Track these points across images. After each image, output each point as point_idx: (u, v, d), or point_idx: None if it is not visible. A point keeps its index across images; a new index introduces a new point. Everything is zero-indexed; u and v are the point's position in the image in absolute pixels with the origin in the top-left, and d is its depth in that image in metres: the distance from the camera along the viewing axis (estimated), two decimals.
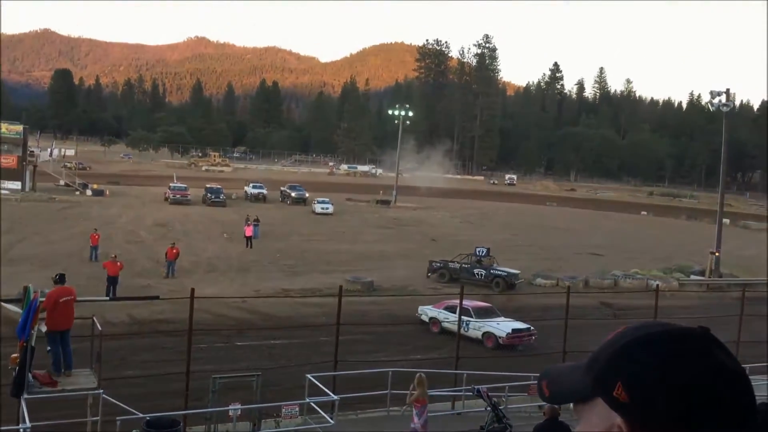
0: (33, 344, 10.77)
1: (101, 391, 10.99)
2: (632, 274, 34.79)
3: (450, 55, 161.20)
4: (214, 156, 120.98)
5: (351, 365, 15.53)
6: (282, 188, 66.40)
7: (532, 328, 21.48)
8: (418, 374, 13.20)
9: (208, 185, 61.33)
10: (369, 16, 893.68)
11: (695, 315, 23.98)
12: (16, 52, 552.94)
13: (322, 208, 55.73)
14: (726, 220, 46.44)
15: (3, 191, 53.15)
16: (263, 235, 40.41)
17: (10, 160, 54.72)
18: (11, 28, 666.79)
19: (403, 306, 24.78)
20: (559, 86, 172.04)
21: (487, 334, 21.10)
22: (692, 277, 36.24)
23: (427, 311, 22.87)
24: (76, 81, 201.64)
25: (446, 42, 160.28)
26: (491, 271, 30.27)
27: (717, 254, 36.61)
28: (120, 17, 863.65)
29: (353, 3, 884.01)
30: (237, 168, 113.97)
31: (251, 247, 36.49)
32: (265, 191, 64.17)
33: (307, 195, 63.36)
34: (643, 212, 79.75)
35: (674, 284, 33.43)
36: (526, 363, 18.65)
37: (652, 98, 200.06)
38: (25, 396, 10.44)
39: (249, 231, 37.28)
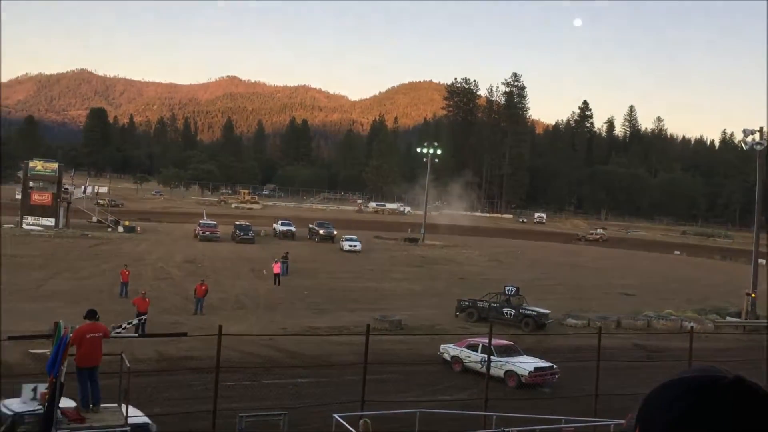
0: (62, 380, 10.80)
1: (128, 428, 10.95)
2: (666, 315, 34.08)
3: (478, 93, 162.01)
4: (244, 193, 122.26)
5: (378, 405, 15.32)
6: (310, 225, 66.68)
7: (554, 366, 21.09)
8: (362, 420, 12.89)
9: (237, 222, 61.84)
10: (398, 56, 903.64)
11: (732, 358, 23.33)
12: (53, 91, 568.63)
13: (350, 246, 55.77)
14: (762, 261, 45.43)
15: (37, 228, 54.16)
16: (291, 272, 40.49)
17: (44, 197, 55.81)
18: (49, 68, 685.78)
19: (431, 345, 24.48)
20: (588, 124, 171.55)
21: (509, 373, 20.74)
22: (728, 318, 35.39)
23: (449, 349, 22.59)
24: (110, 120, 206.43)
25: (475, 80, 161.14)
26: (521, 311, 29.88)
27: (753, 295, 35.74)
28: (154, 58, 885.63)
29: (382, 43, 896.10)
30: (266, 205, 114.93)
31: (279, 284, 36.53)
32: (293, 228, 64.47)
33: (335, 232, 63.51)
34: (676, 252, 78.51)
35: (709, 326, 32.68)
36: (554, 404, 18.27)
37: (683, 137, 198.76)
38: None
39: (277, 268, 37.36)
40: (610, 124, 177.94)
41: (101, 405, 11.62)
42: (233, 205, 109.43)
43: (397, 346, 24.05)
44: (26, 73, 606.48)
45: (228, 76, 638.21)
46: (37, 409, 11.12)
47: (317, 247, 57.48)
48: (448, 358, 22.38)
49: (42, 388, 11.36)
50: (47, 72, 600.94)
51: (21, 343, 18.78)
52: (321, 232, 63.59)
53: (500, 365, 20.78)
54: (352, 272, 44.55)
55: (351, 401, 15.28)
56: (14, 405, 11.65)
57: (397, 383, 19.68)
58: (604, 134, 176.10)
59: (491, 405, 15.97)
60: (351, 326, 26.85)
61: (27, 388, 11.71)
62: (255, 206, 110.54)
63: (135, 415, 11.95)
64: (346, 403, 15.50)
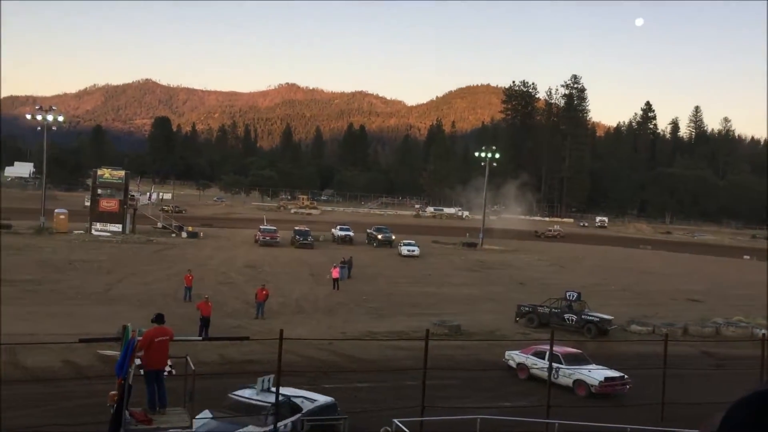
0: (130, 382, 11.11)
1: (193, 429, 11.17)
2: (735, 322, 32.88)
3: (537, 96, 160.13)
4: (303, 199, 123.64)
5: (438, 411, 15.25)
6: (368, 230, 66.93)
7: (626, 376, 20.55)
8: (383, 428, 12.76)
9: (296, 228, 62.54)
10: (455, 60, 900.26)
11: None
12: (119, 101, 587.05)
13: (409, 251, 55.76)
14: None
15: (105, 233, 55.94)
16: (350, 276, 40.80)
17: (112, 204, 57.63)
18: (116, 79, 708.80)
19: (490, 351, 24.27)
20: (651, 126, 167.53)
21: (579, 382, 20.32)
22: None
23: (514, 356, 22.27)
24: (174, 128, 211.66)
25: (533, 83, 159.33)
26: (583, 317, 29.30)
27: None
28: (215, 67, 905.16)
29: (439, 47, 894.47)
30: (324, 210, 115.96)
31: (338, 289, 36.78)
32: (351, 233, 64.86)
33: (393, 237, 63.58)
34: (745, 256, 75.74)
35: None
36: (620, 413, 17.84)
37: (752, 137, 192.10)
38: None
39: (336, 273, 37.64)
40: (675, 125, 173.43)
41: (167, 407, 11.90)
42: (292, 211, 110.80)
43: (457, 352, 23.93)
44: (94, 84, 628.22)
45: (287, 84, 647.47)
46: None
47: (375, 252, 57.67)
48: (514, 365, 22.09)
49: (267, 379, 14.15)
50: (114, 83, 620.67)
51: (91, 345, 19.41)
52: (379, 236, 63.75)
53: (569, 374, 20.40)
54: (410, 277, 44.54)
55: (410, 406, 15.25)
56: (247, 393, 14.32)
57: (457, 389, 19.55)
58: (668, 136, 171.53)
59: (554, 413, 15.70)
60: (410, 331, 26.84)
61: (261, 381, 14.15)
62: (314, 211, 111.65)
63: (322, 397, 15.13)
64: (405, 408, 15.48)
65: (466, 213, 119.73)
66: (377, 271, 45.47)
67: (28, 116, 63.67)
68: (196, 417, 12.91)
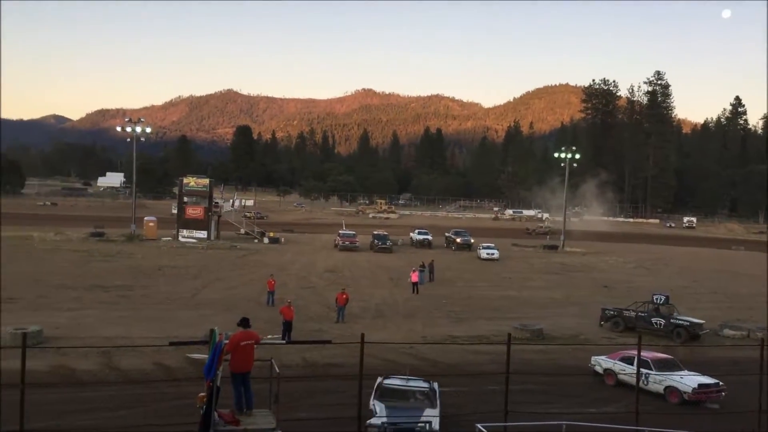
0: (218, 384, 11.42)
1: (279, 431, 11.38)
2: None
3: (618, 94, 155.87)
4: (381, 203, 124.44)
5: (522, 416, 15.00)
6: (447, 234, 66.73)
7: (721, 383, 19.67)
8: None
9: (375, 232, 62.98)
10: (532, 60, 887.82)
11: None
12: (203, 111, 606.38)
13: (488, 254, 55.26)
14: None
15: (191, 240, 57.83)
16: (426, 280, 40.75)
17: (197, 211, 59.54)
18: (199, 91, 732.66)
19: (573, 355, 23.73)
20: (741, 121, 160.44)
21: (670, 389, 19.58)
22: None
23: (601, 362, 21.68)
24: (255, 136, 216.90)
25: (614, 81, 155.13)
26: (671, 321, 28.25)
27: None
28: (294, 75, 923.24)
29: (516, 48, 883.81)
30: (402, 215, 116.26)
31: (417, 293, 36.77)
32: (430, 237, 64.80)
33: (472, 240, 63.16)
34: None
35: None
36: (715, 421, 17.12)
37: None
38: None
39: (415, 277, 37.64)
40: (767, 120, 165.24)
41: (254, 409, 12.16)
42: (371, 215, 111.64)
43: (539, 356, 23.49)
44: (179, 96, 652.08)
45: (363, 89, 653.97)
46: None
47: (454, 256, 57.39)
48: (600, 371, 21.51)
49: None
50: (197, 94, 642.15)
51: (180, 347, 20.08)
52: (458, 240, 63.43)
53: (659, 380, 19.72)
54: (490, 280, 44.10)
55: (493, 411, 15.07)
56: (396, 381, 16.40)
57: (541, 394, 19.19)
58: (759, 131, 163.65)
59: (644, 420, 15.20)
60: (490, 335, 26.55)
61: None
62: (392, 216, 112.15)
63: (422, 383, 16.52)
64: (487, 413, 15.30)
65: (546, 215, 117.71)
66: (456, 275, 45.23)
67: (119, 128, 66.57)
68: (372, 406, 15.37)
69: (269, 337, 23.54)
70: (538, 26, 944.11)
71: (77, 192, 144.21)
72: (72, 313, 27.16)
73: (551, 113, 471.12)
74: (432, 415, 14.91)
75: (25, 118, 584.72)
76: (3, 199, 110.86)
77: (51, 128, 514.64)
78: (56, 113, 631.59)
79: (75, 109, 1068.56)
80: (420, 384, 16.52)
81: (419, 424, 14.51)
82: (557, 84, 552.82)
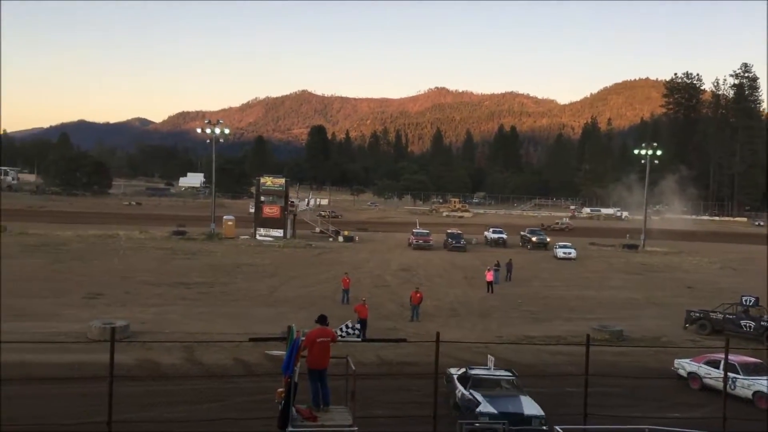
0: (296, 380, 11.59)
1: (356, 428, 11.46)
2: None
3: (702, 88, 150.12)
4: (454, 202, 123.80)
5: (601, 419, 14.63)
6: (522, 233, 65.85)
7: None
8: None
9: (449, 231, 62.73)
10: (610, 54, 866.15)
11: None
12: (278, 112, 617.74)
13: (565, 253, 54.22)
14: None
15: (268, 238, 58.99)
16: (503, 280, 40.33)
17: (274, 210, 60.68)
18: (274, 92, 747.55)
19: (655, 358, 23.02)
20: None
21: (759, 394, 18.71)
22: None
23: (684, 365, 20.92)
24: (329, 136, 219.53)
25: (697, 74, 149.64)
26: (762, 323, 27.01)
27: None
28: (367, 75, 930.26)
29: (593, 43, 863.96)
30: (476, 213, 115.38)
31: (492, 292, 36.41)
32: (505, 236, 64.08)
33: (548, 239, 62.11)
34: None
35: None
36: None
37: None
38: (290, 429, 11.23)
39: (490, 276, 37.27)
40: None
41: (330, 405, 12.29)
42: (444, 214, 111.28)
43: (619, 358, 22.88)
44: (255, 98, 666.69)
45: (436, 88, 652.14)
46: None
47: (530, 255, 56.55)
48: (684, 374, 20.77)
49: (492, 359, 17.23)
50: (273, 95, 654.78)
51: (258, 344, 20.50)
52: (533, 239, 62.49)
53: (747, 385, 18.89)
54: (567, 280, 43.25)
55: (572, 414, 14.77)
56: (483, 371, 17.11)
57: (621, 397, 18.67)
58: None
59: (731, 426, 14.57)
60: (567, 336, 26.05)
61: (490, 359, 17.42)
62: (466, 214, 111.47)
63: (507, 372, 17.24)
64: (565, 415, 15.01)
65: (625, 213, 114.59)
66: (532, 274, 44.57)
67: (198, 130, 68.52)
68: (460, 395, 16.27)
69: (348, 323, 23.89)
70: (617, 20, 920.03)
71: (160, 192, 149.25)
72: (156, 309, 28.15)
73: (630, 109, 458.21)
74: (534, 406, 15.63)
75: (112, 121, 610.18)
76: (92, 199, 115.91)
77: (135, 131, 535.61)
78: (140, 116, 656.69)
79: (157, 112, 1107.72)
80: (505, 373, 17.14)
81: (535, 417, 15.16)
82: (637, 78, 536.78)
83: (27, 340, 19.27)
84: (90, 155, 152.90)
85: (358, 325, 24.44)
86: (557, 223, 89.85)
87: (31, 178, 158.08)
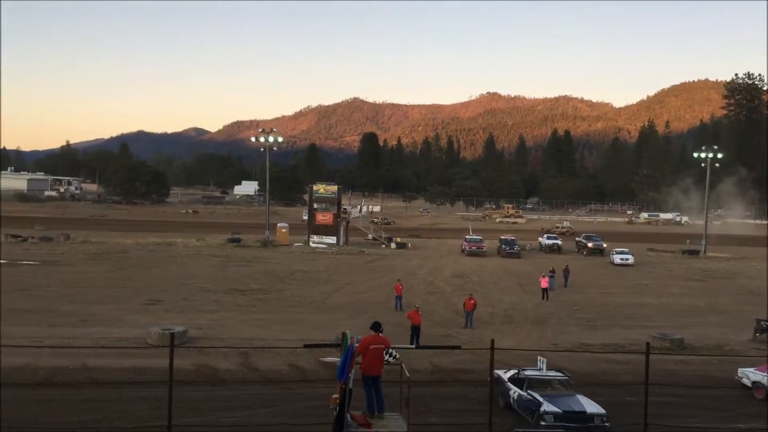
0: (350, 386, 11.62)
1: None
2: None
3: (764, 88, 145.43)
4: (508, 207, 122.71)
5: (662, 430, 14.27)
6: (578, 238, 64.82)
7: None
8: None
9: (502, 237, 62.17)
10: (667, 56, 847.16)
11: None
12: (330, 120, 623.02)
13: (622, 259, 53.13)
14: None
15: (321, 245, 59.44)
16: (559, 286, 39.74)
17: (327, 218, 61.14)
18: (326, 100, 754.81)
19: (718, 367, 22.29)
20: None
21: None
22: None
23: (749, 374, 20.21)
24: (380, 143, 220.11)
25: (759, 75, 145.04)
26: None
27: None
28: (418, 82, 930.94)
29: (649, 45, 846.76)
30: (530, 219, 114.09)
31: (547, 299, 35.90)
32: (559, 242, 63.19)
33: (604, 245, 60.98)
34: None
35: None
36: None
37: None
38: None
39: (545, 282, 36.77)
40: None
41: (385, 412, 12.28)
42: (497, 220, 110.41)
43: (680, 367, 22.26)
44: (308, 106, 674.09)
45: (488, 93, 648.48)
46: None
47: (586, 261, 55.60)
48: (748, 384, 20.09)
49: (542, 360, 17.35)
50: (325, 103, 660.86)
51: (313, 350, 20.64)
52: (589, 245, 61.44)
53: None
54: (624, 287, 42.35)
55: (632, 423, 14.46)
56: (534, 372, 17.18)
57: (683, 407, 18.14)
58: None
59: None
60: (626, 344, 25.45)
61: (540, 361, 17.50)
62: (519, 220, 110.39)
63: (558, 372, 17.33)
64: (625, 425, 14.72)
65: (684, 218, 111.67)
66: (588, 281, 43.79)
67: (253, 139, 69.62)
68: (514, 395, 16.55)
69: (392, 351, 23.80)
70: (674, 20, 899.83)
71: (215, 200, 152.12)
72: (213, 315, 28.63)
73: (689, 111, 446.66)
74: (594, 404, 15.74)
75: (169, 131, 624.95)
76: (151, 207, 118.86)
77: (192, 140, 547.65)
78: (196, 126, 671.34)
79: (213, 122, 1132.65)
80: (556, 373, 17.28)
81: (597, 415, 15.24)
82: (695, 80, 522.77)
83: (90, 345, 19.85)
84: (148, 165, 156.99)
85: (397, 354, 24.29)
86: (557, 228, 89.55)
87: (93, 187, 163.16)
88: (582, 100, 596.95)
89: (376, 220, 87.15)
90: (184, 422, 13.66)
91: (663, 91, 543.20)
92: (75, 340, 21.41)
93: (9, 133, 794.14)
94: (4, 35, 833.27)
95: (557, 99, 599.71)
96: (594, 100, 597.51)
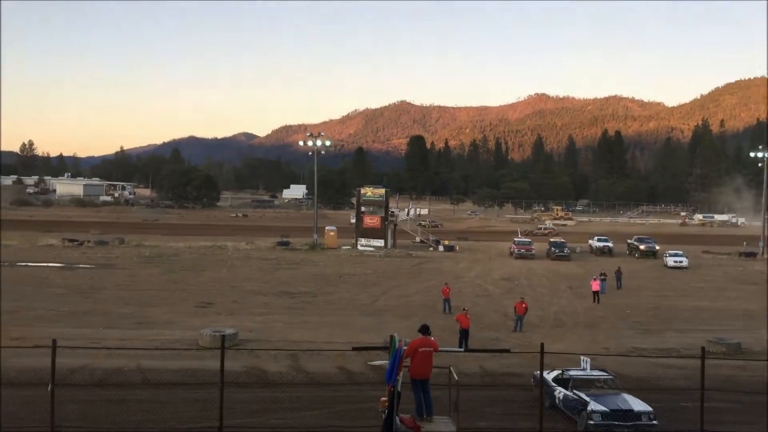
0: (399, 389, 11.62)
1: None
2: None
3: None
4: (557, 210, 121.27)
5: None
6: (629, 241, 63.61)
7: None
8: None
9: (551, 239, 61.44)
10: (722, 53, 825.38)
11: None
12: (377, 123, 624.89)
13: (675, 262, 51.92)
14: None
15: (369, 248, 59.64)
16: (611, 289, 39.07)
17: (374, 221, 61.33)
18: (373, 103, 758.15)
19: None
20: None
21: None
22: None
23: None
24: (428, 145, 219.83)
25: None
26: None
27: None
28: (465, 84, 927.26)
29: (702, 42, 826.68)
30: (580, 221, 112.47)
31: (599, 302, 35.30)
32: (610, 244, 62.11)
33: (657, 247, 59.68)
34: None
35: None
36: None
37: None
38: None
39: (596, 286, 36.16)
40: None
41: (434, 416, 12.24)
42: (546, 222, 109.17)
43: (737, 372, 21.61)
44: (355, 110, 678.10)
45: (536, 94, 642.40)
46: None
47: (638, 264, 54.47)
48: None
49: (586, 360, 17.44)
50: (372, 107, 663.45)
51: (361, 353, 20.71)
52: (641, 247, 60.24)
53: None
54: (678, 290, 41.36)
55: (687, 429, 14.10)
56: (579, 372, 17.10)
57: (740, 413, 17.61)
58: None
59: None
60: (680, 348, 24.84)
61: (583, 360, 17.56)
62: (569, 222, 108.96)
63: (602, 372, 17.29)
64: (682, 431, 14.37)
65: (741, 220, 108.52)
66: (641, 284, 42.91)
67: (301, 143, 70.31)
68: (559, 395, 16.50)
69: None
70: (728, 17, 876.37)
71: (265, 204, 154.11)
72: (262, 318, 28.96)
73: (745, 109, 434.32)
74: (640, 402, 15.63)
75: (219, 136, 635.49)
76: (202, 211, 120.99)
77: (241, 145, 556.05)
78: (245, 131, 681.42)
79: (262, 126, 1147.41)
80: (601, 373, 17.27)
81: (644, 413, 15.13)
82: (752, 77, 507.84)
83: (144, 346, 20.30)
84: (199, 169, 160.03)
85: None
86: (540, 229, 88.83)
87: (146, 192, 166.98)
88: (633, 100, 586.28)
89: (423, 222, 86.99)
90: (235, 423, 13.86)
91: (717, 89, 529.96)
92: (130, 342, 21.90)
93: (66, 140, 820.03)
94: (50, 43, 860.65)
95: (607, 99, 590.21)
96: (646, 100, 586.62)
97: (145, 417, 15.03)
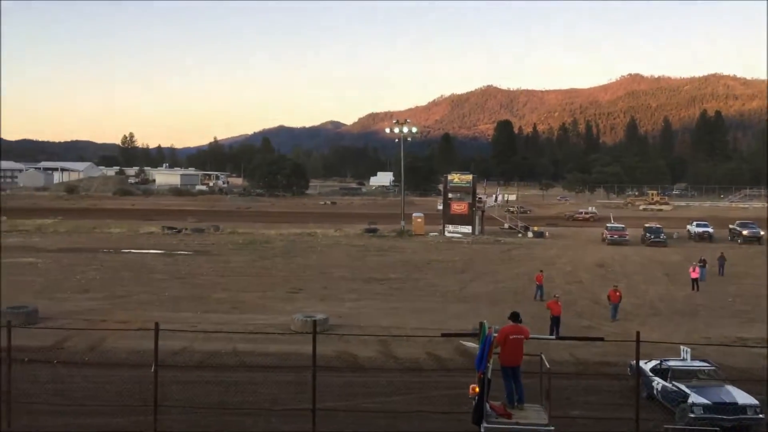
0: (489, 376, 11.54)
1: (552, 428, 11.19)
2: None
3: None
4: (652, 194, 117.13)
5: None
6: (731, 226, 60.70)
7: None
8: None
9: (646, 225, 59.42)
10: None
11: None
12: (464, 109, 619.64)
13: None
14: None
15: (457, 235, 59.37)
16: (713, 275, 37.47)
17: (461, 207, 60.94)
18: (459, 89, 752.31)
19: None
20: None
21: None
22: None
23: None
24: (515, 130, 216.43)
25: None
26: None
27: None
28: (553, 66, 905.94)
29: None
30: (677, 206, 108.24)
31: (698, 290, 33.90)
32: (710, 230, 59.46)
33: (762, 233, 56.71)
34: None
35: None
36: None
37: None
38: (484, 425, 11.21)
39: (695, 273, 34.72)
40: None
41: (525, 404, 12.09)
42: (641, 207, 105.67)
43: None
44: (441, 96, 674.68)
45: (629, 74, 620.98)
46: None
47: (740, 250, 51.92)
48: None
49: (686, 350, 17.06)
50: (458, 92, 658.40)
51: (450, 339, 20.70)
52: (745, 233, 57.40)
53: None
54: None
55: None
56: (677, 363, 16.73)
57: None
58: None
59: None
60: None
61: (683, 350, 17.18)
62: (665, 207, 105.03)
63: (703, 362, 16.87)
64: None
65: None
66: (744, 271, 40.90)
67: (387, 130, 70.58)
68: (657, 386, 16.14)
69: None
70: None
71: (352, 191, 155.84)
72: (352, 303, 29.36)
73: None
74: (745, 395, 15.07)
75: (307, 125, 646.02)
76: (292, 199, 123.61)
77: (329, 133, 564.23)
78: (333, 119, 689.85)
79: (348, 115, 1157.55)
80: (702, 363, 16.73)
81: (750, 406, 14.64)
82: None
83: (239, 330, 20.97)
84: (289, 158, 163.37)
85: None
86: (580, 213, 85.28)
87: (238, 181, 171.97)
88: (734, 78, 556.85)
89: (511, 208, 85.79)
90: (327, 406, 14.13)
91: None
92: (226, 326, 22.66)
93: (165, 132, 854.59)
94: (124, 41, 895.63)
95: (706, 78, 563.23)
96: (748, 78, 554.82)
97: (242, 398, 15.55)
